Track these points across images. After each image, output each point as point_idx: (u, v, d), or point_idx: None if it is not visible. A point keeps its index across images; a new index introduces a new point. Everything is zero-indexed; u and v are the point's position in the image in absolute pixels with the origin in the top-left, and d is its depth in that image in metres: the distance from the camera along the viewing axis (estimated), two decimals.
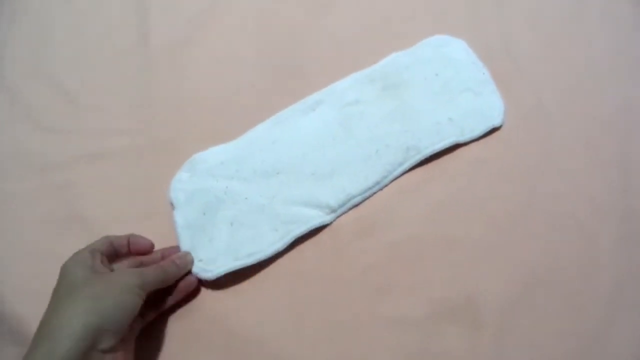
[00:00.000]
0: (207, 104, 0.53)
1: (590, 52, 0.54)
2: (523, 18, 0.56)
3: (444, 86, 0.51)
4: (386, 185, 0.47)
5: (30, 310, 0.40)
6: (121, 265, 0.40)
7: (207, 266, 0.42)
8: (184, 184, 0.47)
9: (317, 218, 0.45)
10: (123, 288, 0.34)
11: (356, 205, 0.46)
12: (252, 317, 0.41)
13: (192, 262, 0.42)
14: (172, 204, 0.46)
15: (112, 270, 0.38)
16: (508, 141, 0.49)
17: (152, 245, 0.43)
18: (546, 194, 0.46)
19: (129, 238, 0.41)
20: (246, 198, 0.46)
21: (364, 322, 0.41)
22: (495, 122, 0.49)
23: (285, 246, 0.43)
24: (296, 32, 0.57)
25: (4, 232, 0.46)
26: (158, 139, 0.51)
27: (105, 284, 0.34)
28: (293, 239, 0.44)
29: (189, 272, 0.42)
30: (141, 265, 0.40)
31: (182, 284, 0.41)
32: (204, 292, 0.42)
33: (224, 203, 0.45)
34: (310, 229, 0.44)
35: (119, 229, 0.44)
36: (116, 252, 0.40)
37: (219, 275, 0.42)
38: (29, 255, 0.45)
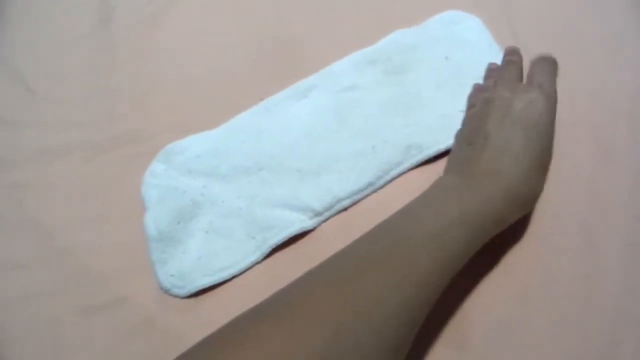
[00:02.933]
0: (179, 92, 0.47)
1: (607, 37, 0.45)
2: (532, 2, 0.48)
3: (455, 72, 0.44)
4: (380, 188, 0.41)
5: None
6: None
7: (179, 282, 0.38)
8: (158, 179, 0.43)
9: (297, 223, 0.39)
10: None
11: (345, 209, 0.41)
12: None
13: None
14: (143, 203, 0.42)
15: None
16: None
17: None
18: (546, 192, 0.38)
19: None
20: (223, 201, 0.41)
21: None
22: None
23: (261, 257, 0.39)
24: (285, 4, 0.50)
25: None
26: (121, 132, 0.46)
27: None
28: (270, 249, 0.39)
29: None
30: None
31: None
32: (166, 305, 0.38)
33: (201, 208, 0.41)
34: (289, 236, 0.39)
35: (76, 234, 0.40)
36: None
37: (191, 292, 0.38)
38: None
